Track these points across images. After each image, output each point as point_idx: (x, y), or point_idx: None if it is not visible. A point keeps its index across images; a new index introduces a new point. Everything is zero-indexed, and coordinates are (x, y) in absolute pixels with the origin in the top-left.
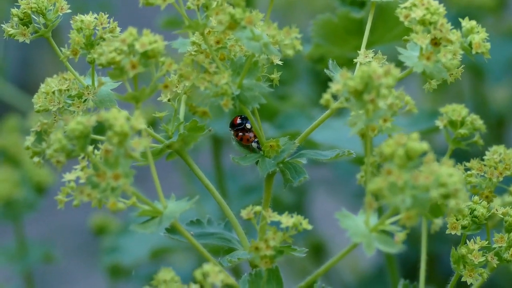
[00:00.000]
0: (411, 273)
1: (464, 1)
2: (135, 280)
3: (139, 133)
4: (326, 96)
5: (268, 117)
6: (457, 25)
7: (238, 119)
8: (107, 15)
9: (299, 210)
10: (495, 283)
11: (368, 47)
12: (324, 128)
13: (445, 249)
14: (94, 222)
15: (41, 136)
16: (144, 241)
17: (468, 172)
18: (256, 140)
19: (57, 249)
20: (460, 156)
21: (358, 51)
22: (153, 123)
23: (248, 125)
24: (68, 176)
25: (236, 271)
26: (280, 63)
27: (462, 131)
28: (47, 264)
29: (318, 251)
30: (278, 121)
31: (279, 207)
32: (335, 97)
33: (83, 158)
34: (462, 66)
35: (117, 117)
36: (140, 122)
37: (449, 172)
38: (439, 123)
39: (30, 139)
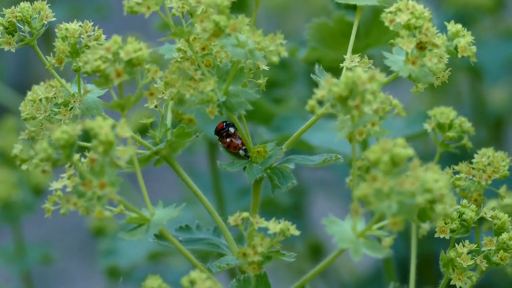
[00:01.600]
0: (408, 274)
1: (462, 2)
2: (133, 282)
3: (126, 140)
4: (311, 102)
5: (264, 120)
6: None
7: (223, 124)
8: (103, 18)
9: (297, 212)
10: (494, 284)
11: (364, 49)
12: (320, 131)
13: (444, 248)
14: (92, 223)
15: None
16: (141, 243)
17: (457, 176)
18: (243, 147)
19: (56, 250)
20: (454, 158)
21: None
22: (143, 129)
23: (231, 129)
24: (55, 185)
25: (232, 273)
26: (266, 68)
27: (451, 134)
28: (46, 265)
29: (316, 253)
30: (274, 124)
31: (277, 209)
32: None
33: (70, 166)
34: (449, 69)
35: (102, 125)
36: (125, 131)
37: (435, 177)
38: (427, 126)
39: (18, 147)
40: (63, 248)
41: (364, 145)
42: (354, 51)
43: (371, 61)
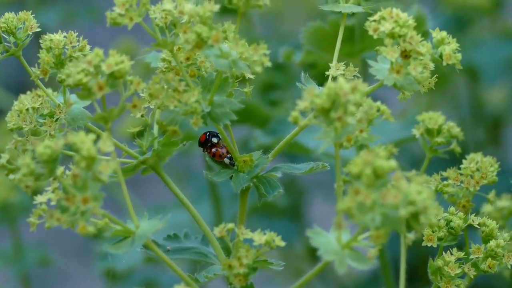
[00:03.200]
0: (406, 275)
1: (459, 2)
2: (131, 284)
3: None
4: (294, 113)
5: (260, 123)
6: (452, 27)
7: (206, 136)
8: (96, 21)
9: (295, 213)
10: (493, 285)
11: (359, 53)
12: (316, 133)
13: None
14: None
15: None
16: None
17: (445, 182)
18: (229, 156)
19: (54, 251)
20: (447, 161)
21: (347, 58)
22: (131, 137)
23: (214, 140)
24: (39, 199)
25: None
26: (252, 77)
27: (439, 139)
28: (44, 267)
29: (314, 253)
30: (271, 126)
31: (275, 211)
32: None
33: (54, 179)
34: (445, 71)
35: (84, 140)
36: (107, 145)
37: (418, 189)
38: (416, 131)
39: (5, 157)
40: (62, 249)
41: (360, 149)
42: (349, 55)
43: (357, 68)
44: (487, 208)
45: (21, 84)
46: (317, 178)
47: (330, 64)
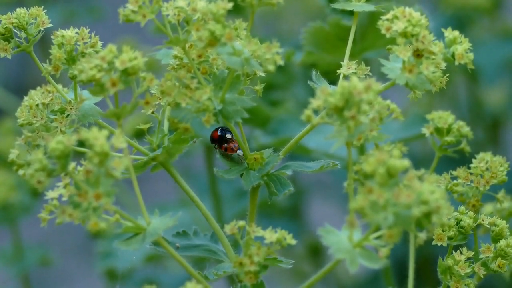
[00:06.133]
0: (406, 276)
1: (460, 3)
2: (131, 284)
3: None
4: (307, 111)
5: (260, 123)
6: (452, 28)
7: (218, 132)
8: (96, 20)
9: (295, 213)
10: (492, 284)
11: (359, 53)
12: (317, 133)
13: (444, 250)
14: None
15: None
16: None
17: (454, 181)
18: (239, 150)
19: (55, 251)
20: (452, 161)
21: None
22: (140, 133)
23: (228, 136)
24: (51, 194)
25: (231, 278)
26: (263, 74)
27: (449, 138)
28: (44, 267)
29: (315, 254)
30: (271, 127)
31: (275, 211)
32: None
33: (66, 175)
34: (447, 73)
35: (97, 137)
36: (120, 141)
37: (430, 189)
38: (425, 130)
39: (14, 152)
40: (62, 248)
41: (361, 148)
42: (350, 55)
43: (368, 67)
44: (488, 208)
45: (20, 84)
46: (317, 178)
47: (341, 63)
